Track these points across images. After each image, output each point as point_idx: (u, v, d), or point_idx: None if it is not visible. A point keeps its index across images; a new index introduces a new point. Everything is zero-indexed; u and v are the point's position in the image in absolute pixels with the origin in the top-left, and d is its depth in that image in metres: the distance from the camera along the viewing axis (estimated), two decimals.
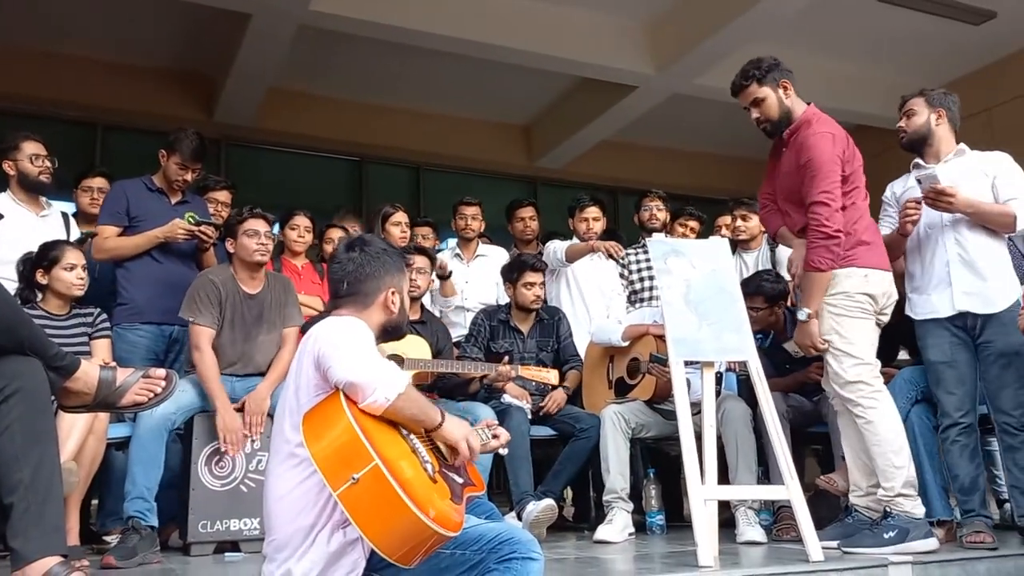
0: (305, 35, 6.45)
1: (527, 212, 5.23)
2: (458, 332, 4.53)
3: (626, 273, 4.73)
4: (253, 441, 3.31)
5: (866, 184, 3.25)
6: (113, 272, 3.77)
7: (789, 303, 3.98)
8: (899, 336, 3.66)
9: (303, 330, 3.49)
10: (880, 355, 3.18)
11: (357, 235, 2.38)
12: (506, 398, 3.91)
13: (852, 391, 3.08)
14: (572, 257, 4.67)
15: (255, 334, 3.48)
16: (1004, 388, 3.20)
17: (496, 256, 4.98)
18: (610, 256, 4.63)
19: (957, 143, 3.41)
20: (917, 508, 3.05)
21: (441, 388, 3.94)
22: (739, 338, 3.10)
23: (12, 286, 3.41)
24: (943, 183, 3.17)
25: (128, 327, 3.64)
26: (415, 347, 3.78)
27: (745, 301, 3.27)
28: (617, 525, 3.57)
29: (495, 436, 2.20)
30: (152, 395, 2.20)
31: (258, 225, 3.49)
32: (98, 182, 4.34)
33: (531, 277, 4.17)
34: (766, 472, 3.82)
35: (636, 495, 3.91)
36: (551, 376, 3.89)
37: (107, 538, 3.35)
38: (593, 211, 4.75)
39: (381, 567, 1.84)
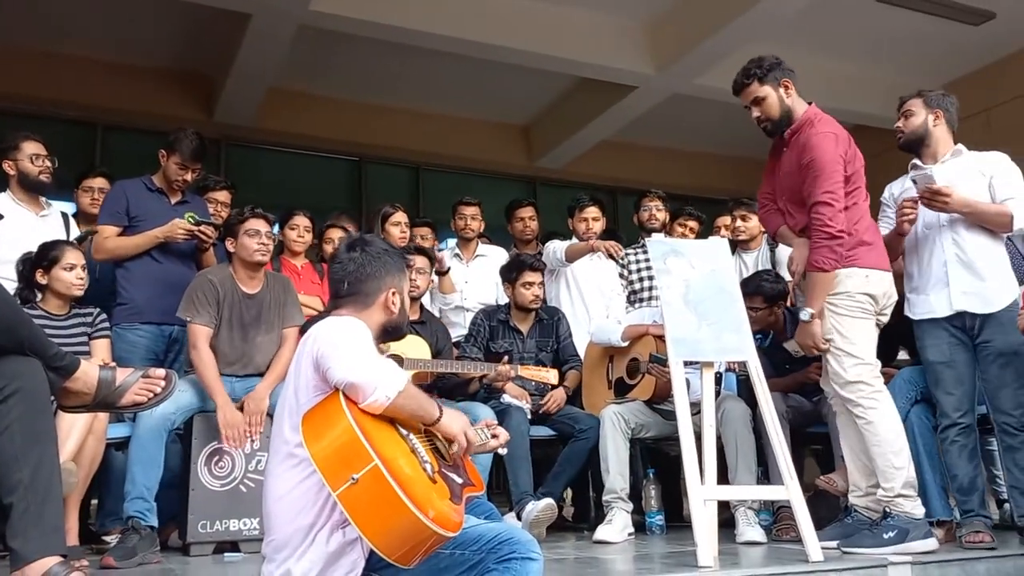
0: (305, 35, 6.44)
1: (527, 212, 5.22)
2: (458, 332, 4.53)
3: (625, 273, 4.73)
4: (253, 441, 3.30)
5: (865, 184, 3.25)
6: (113, 272, 3.77)
7: (789, 303, 3.98)
8: (898, 336, 3.66)
9: (303, 330, 3.49)
10: (880, 355, 3.18)
11: (358, 235, 2.37)
12: (506, 398, 3.91)
13: (852, 391, 3.08)
14: (572, 257, 4.67)
15: (253, 334, 3.48)
16: (1003, 388, 3.20)
17: (496, 256, 4.97)
18: (610, 256, 4.63)
19: (955, 144, 3.42)
20: (917, 508, 3.05)
21: (441, 388, 3.94)
22: (739, 338, 3.10)
23: (12, 286, 3.40)
24: (939, 183, 3.17)
25: (128, 327, 3.64)
26: (415, 347, 3.78)
27: (744, 301, 3.27)
28: (617, 525, 3.57)
29: (494, 436, 2.20)
30: (152, 395, 2.20)
31: (259, 225, 3.49)
32: (99, 182, 4.35)
33: (530, 277, 4.17)
34: (766, 472, 3.82)
35: (636, 495, 3.91)
36: (550, 376, 3.89)
37: (107, 538, 3.34)
38: (592, 211, 4.75)
39: (380, 567, 1.84)
